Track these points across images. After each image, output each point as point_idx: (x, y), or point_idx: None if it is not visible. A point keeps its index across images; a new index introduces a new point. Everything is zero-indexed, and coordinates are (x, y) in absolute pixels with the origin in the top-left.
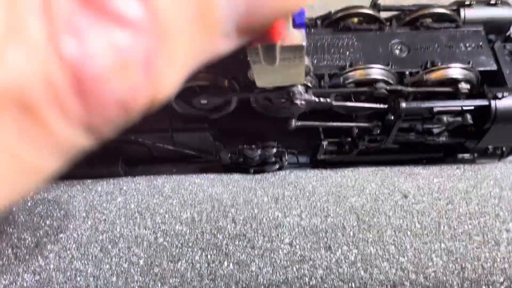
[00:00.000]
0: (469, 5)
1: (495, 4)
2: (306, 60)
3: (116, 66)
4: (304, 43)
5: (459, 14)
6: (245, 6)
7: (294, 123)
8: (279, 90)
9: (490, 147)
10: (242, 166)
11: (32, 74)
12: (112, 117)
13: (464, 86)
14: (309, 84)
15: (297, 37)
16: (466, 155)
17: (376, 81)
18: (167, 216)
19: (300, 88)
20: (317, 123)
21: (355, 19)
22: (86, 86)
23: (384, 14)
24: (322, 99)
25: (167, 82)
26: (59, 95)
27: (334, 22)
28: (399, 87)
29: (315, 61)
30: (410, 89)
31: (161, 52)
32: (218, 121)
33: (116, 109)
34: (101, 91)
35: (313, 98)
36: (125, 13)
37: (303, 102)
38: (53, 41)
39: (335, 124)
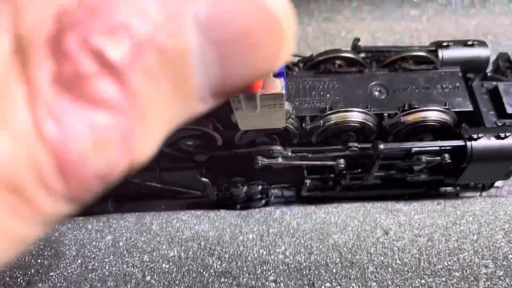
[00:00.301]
0: (447, 46)
1: (472, 45)
2: (287, 105)
3: (95, 145)
4: (284, 91)
5: (437, 55)
6: (219, 75)
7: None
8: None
9: None
10: (228, 202)
11: (18, 158)
12: (91, 188)
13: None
14: (291, 126)
15: (277, 85)
16: (449, 189)
17: (355, 123)
18: (154, 254)
19: (280, 148)
20: (300, 162)
21: (336, 62)
22: (67, 165)
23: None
24: (299, 154)
25: (144, 150)
26: (43, 175)
27: (315, 65)
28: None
29: (297, 103)
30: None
31: (138, 127)
32: (204, 161)
33: (95, 181)
34: (81, 169)
35: (290, 154)
36: (103, 96)
37: (280, 160)
38: (37, 126)
39: (317, 162)
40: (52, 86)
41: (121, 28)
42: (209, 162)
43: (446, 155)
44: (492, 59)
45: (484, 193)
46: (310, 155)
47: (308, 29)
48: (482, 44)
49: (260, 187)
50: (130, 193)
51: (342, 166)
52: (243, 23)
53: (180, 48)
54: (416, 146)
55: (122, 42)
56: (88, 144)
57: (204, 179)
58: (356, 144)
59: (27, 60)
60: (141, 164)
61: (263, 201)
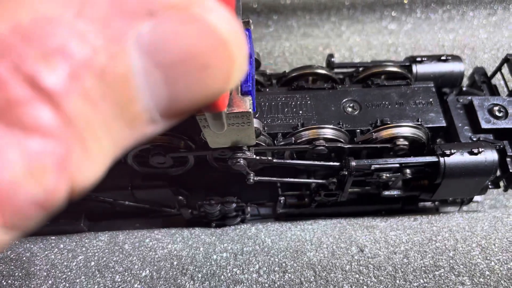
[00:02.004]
0: (421, 61)
1: (446, 60)
2: (256, 122)
3: (28, 172)
4: (251, 109)
5: (411, 70)
6: (167, 96)
7: (252, 178)
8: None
9: None
10: (203, 220)
11: None
12: (30, 216)
13: (402, 143)
14: (264, 144)
15: (245, 103)
16: (428, 204)
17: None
18: (126, 274)
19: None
20: (274, 179)
21: (310, 78)
22: (0, 194)
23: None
24: (263, 157)
25: (86, 175)
26: None
27: (288, 82)
28: (339, 144)
29: (269, 120)
30: (348, 145)
31: (75, 151)
32: (178, 177)
33: (32, 208)
34: (14, 197)
35: (253, 156)
36: (36, 122)
37: (242, 160)
38: None
39: (290, 180)
40: None
41: (57, 52)
42: (183, 178)
43: (408, 171)
44: (469, 72)
45: (464, 208)
46: (275, 160)
47: (285, 44)
48: (456, 58)
49: (234, 205)
50: (104, 212)
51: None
52: (189, 45)
53: (122, 71)
54: (388, 162)
55: (57, 66)
56: (20, 172)
57: (179, 197)
58: (324, 144)
59: None
60: (86, 189)
61: (239, 219)
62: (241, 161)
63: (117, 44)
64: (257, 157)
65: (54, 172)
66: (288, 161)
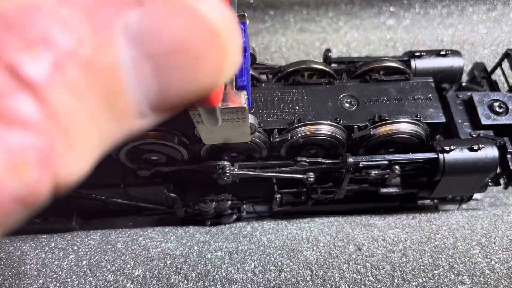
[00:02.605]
0: (420, 56)
1: (445, 55)
2: (252, 118)
3: (8, 167)
4: (246, 105)
5: (409, 65)
6: (157, 89)
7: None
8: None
9: None
10: (198, 218)
11: None
12: (10, 212)
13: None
14: (258, 140)
15: (240, 98)
16: (427, 202)
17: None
18: (118, 273)
19: (227, 164)
20: (263, 174)
21: (306, 73)
22: None
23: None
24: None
25: (71, 170)
26: None
27: (284, 77)
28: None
29: (265, 116)
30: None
31: (59, 145)
32: (172, 175)
33: (14, 205)
34: None
35: (240, 172)
36: (18, 115)
37: (229, 177)
38: None
39: (285, 175)
40: None
41: (41, 41)
42: (178, 175)
43: (397, 167)
44: (468, 68)
45: (464, 206)
46: (282, 168)
47: (282, 39)
48: (455, 53)
49: (229, 203)
50: (96, 210)
51: (312, 179)
52: (179, 35)
53: (109, 61)
54: (386, 159)
55: (40, 56)
56: (1, 166)
57: (173, 195)
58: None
59: None
60: (71, 185)
61: (234, 217)
62: (226, 179)
63: (103, 33)
64: (241, 171)
65: (36, 167)
66: (272, 174)
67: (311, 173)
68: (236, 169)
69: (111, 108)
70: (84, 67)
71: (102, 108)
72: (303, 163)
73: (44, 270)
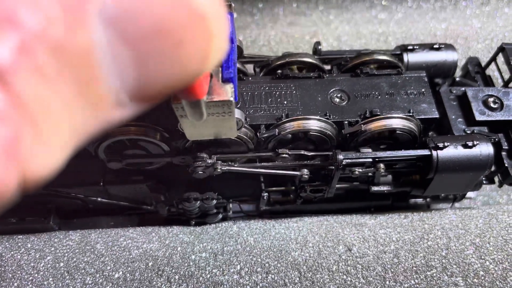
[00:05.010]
0: (412, 50)
1: (438, 48)
2: (238, 113)
3: None
4: (233, 98)
5: (402, 59)
6: (136, 76)
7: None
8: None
9: None
10: (182, 218)
11: None
12: None
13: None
14: (245, 136)
15: (226, 91)
16: (419, 200)
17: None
18: (98, 276)
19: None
20: (255, 170)
21: (295, 67)
22: None
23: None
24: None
25: (41, 163)
26: None
27: (272, 70)
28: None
29: (252, 111)
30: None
31: (27, 136)
32: (155, 172)
33: None
34: None
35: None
36: None
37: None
38: None
39: (278, 172)
40: None
41: (4, 21)
42: (160, 174)
43: (382, 165)
44: (462, 63)
45: (456, 204)
46: (236, 166)
47: (271, 32)
48: (449, 47)
49: (215, 202)
50: (76, 209)
51: (307, 176)
52: (160, 17)
53: (82, 45)
54: (377, 156)
55: (4, 37)
56: None
57: (156, 193)
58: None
59: None
60: (42, 179)
61: (220, 216)
62: (201, 172)
63: (75, 13)
64: (221, 168)
65: (1, 159)
66: (262, 170)
67: (305, 170)
68: (216, 163)
69: (85, 96)
70: (54, 50)
71: (75, 96)
72: (284, 155)
73: (19, 272)
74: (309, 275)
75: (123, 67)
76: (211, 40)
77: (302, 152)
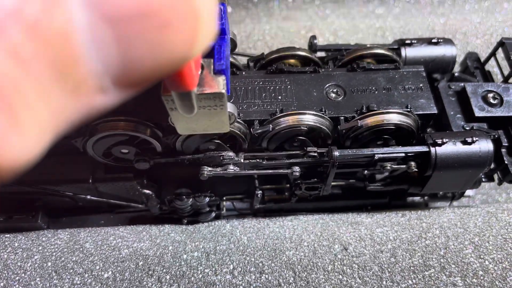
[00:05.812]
0: (410, 44)
1: (437, 43)
2: (230, 107)
3: None
4: (225, 91)
5: (399, 53)
6: (120, 60)
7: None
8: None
9: None
10: (174, 216)
11: None
12: None
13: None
14: (238, 132)
15: (217, 83)
16: (417, 198)
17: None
18: (86, 275)
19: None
20: (249, 172)
21: (290, 61)
22: None
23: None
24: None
25: (17, 151)
26: None
27: (266, 64)
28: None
29: (245, 106)
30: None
31: (1, 122)
32: (145, 169)
33: None
34: None
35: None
36: None
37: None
38: None
39: (269, 171)
40: None
41: None
42: (152, 171)
43: (413, 163)
44: (460, 59)
45: (455, 203)
46: (265, 162)
47: (266, 27)
48: (448, 42)
49: (207, 199)
50: (65, 207)
51: (297, 174)
52: None
53: (60, 24)
54: (374, 152)
55: None
56: None
57: (146, 191)
58: (315, 149)
59: None
60: (19, 169)
61: (213, 214)
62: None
63: None
64: (246, 161)
65: None
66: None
67: (296, 167)
68: (241, 160)
69: (65, 80)
70: (30, 30)
71: (53, 79)
72: (312, 153)
73: (6, 272)
74: (304, 275)
75: (105, 50)
76: (198, 22)
77: (296, 152)
